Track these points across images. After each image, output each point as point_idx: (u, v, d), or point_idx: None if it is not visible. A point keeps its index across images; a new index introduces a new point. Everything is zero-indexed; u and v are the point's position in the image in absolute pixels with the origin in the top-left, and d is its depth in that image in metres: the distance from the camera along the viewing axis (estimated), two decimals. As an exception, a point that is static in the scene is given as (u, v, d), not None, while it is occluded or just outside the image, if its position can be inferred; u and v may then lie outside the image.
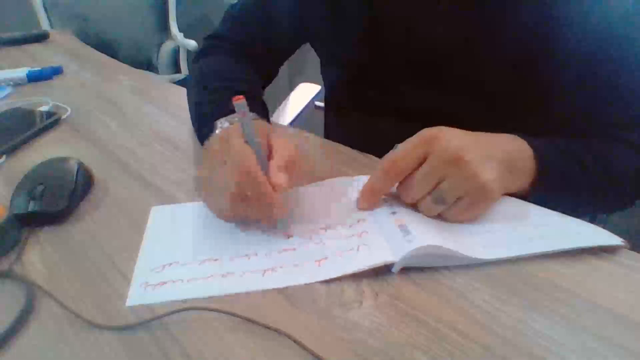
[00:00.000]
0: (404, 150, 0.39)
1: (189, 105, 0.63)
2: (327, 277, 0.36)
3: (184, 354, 0.31)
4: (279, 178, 0.38)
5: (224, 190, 0.39)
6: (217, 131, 0.46)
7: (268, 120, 0.56)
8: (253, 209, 0.39)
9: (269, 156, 0.41)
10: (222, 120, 0.48)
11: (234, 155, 0.38)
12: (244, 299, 0.35)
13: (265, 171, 0.38)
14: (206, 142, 0.45)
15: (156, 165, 0.54)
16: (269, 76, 0.70)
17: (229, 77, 0.60)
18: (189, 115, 0.64)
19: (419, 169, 0.39)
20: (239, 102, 0.38)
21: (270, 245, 0.40)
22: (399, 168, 0.39)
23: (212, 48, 0.68)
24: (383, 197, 0.43)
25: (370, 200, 0.42)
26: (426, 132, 0.39)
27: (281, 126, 0.67)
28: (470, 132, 0.41)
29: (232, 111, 0.40)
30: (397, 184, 0.41)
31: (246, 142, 0.40)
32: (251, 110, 0.50)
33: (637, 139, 0.49)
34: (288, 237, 0.41)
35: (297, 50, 0.73)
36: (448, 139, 0.38)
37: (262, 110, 0.55)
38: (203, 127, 0.53)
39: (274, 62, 0.71)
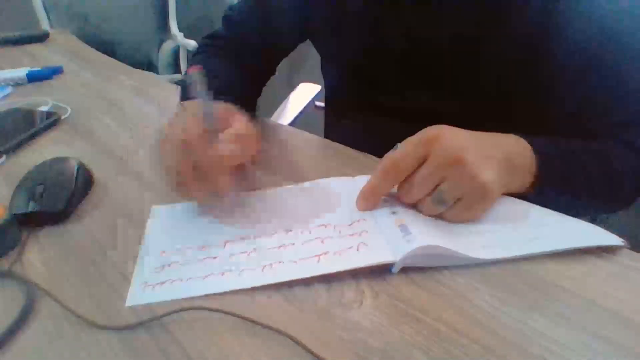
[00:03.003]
0: (405, 151, 0.39)
1: None
2: (326, 272, 0.36)
3: (184, 354, 0.31)
4: (224, 147, 0.38)
5: (172, 160, 0.39)
6: None
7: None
8: (199, 180, 0.39)
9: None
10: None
11: (182, 125, 0.38)
12: (244, 299, 0.35)
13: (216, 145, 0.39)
14: None
15: (156, 165, 0.54)
16: (266, 74, 0.70)
17: (210, 75, 0.60)
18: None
19: (419, 169, 0.39)
20: (193, 72, 0.38)
21: (269, 243, 0.40)
22: (400, 169, 0.39)
23: (207, 47, 0.68)
24: (383, 197, 0.43)
25: (370, 200, 0.42)
26: (426, 132, 0.39)
27: (281, 126, 0.67)
28: (470, 132, 0.41)
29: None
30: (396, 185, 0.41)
31: (203, 114, 0.39)
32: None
33: (636, 140, 0.49)
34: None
35: (298, 50, 0.73)
36: (448, 138, 0.38)
37: (250, 110, 0.54)
38: None
39: (272, 60, 0.71)
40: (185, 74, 0.38)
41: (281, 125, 0.67)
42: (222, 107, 0.43)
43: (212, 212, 0.45)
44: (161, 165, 0.41)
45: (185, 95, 0.53)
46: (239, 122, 0.42)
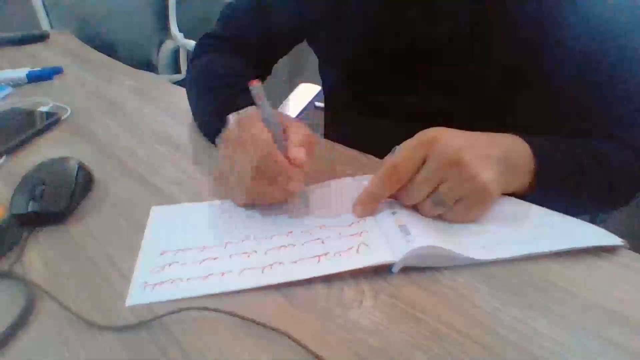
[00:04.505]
0: (404, 155, 0.39)
1: (190, 105, 0.64)
2: (326, 273, 0.36)
3: (184, 354, 0.31)
4: (297, 153, 0.40)
5: (243, 172, 0.40)
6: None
7: None
8: (272, 188, 0.41)
9: (285, 137, 0.42)
10: (234, 114, 0.48)
11: (252, 137, 0.40)
12: (244, 299, 0.35)
13: (283, 151, 0.40)
14: (222, 132, 0.47)
15: (156, 165, 0.54)
16: (263, 74, 0.70)
17: (228, 74, 0.60)
18: (189, 115, 0.64)
19: (418, 171, 0.39)
20: (255, 86, 0.40)
21: (269, 244, 0.40)
22: (400, 174, 0.39)
23: (207, 47, 0.68)
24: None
25: (369, 206, 0.42)
26: (424, 134, 0.39)
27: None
28: (468, 132, 0.41)
29: (241, 107, 0.42)
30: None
31: (265, 124, 0.41)
32: (253, 102, 0.51)
33: (634, 139, 0.49)
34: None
35: (298, 50, 0.73)
36: (446, 140, 0.38)
37: None
38: (212, 125, 0.54)
39: (269, 60, 0.71)
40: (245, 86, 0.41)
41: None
42: (277, 114, 0.44)
43: (213, 213, 0.45)
44: (233, 177, 0.42)
45: (214, 113, 0.54)
46: (298, 128, 0.43)
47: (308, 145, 0.42)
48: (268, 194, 0.42)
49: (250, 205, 0.44)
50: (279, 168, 0.39)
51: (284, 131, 0.43)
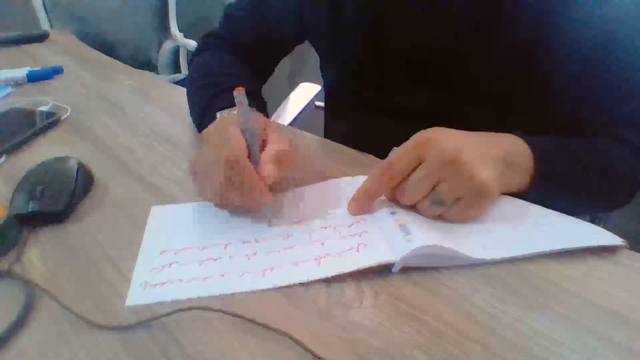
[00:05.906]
0: (399, 154, 0.39)
1: (188, 102, 0.64)
2: (327, 275, 0.36)
3: (184, 354, 0.31)
4: (266, 169, 0.40)
5: (212, 174, 0.40)
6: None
7: (266, 115, 0.56)
8: (238, 195, 0.40)
9: (262, 148, 0.42)
10: (223, 112, 0.49)
11: (226, 142, 0.39)
12: (244, 299, 0.35)
13: (256, 161, 0.40)
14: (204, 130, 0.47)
15: (156, 165, 0.54)
16: (264, 74, 0.70)
17: (223, 73, 0.61)
18: (189, 115, 0.64)
19: (415, 171, 0.39)
20: (239, 92, 0.40)
21: (270, 245, 0.40)
22: (393, 172, 0.39)
23: (208, 45, 0.68)
24: (383, 197, 0.43)
25: (363, 204, 0.42)
26: (421, 135, 0.39)
27: (280, 125, 0.67)
28: (466, 132, 0.41)
29: (232, 105, 0.42)
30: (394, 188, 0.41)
31: (242, 131, 0.41)
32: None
33: (633, 138, 0.49)
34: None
35: (298, 50, 0.73)
36: (443, 140, 0.38)
37: (259, 105, 0.55)
38: (202, 122, 0.54)
39: (270, 60, 0.71)
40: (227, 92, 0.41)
41: (281, 126, 0.67)
42: (260, 121, 0.43)
43: (213, 213, 0.45)
44: (202, 176, 0.42)
45: (204, 110, 0.54)
46: (277, 138, 0.43)
47: (280, 162, 0.41)
48: (233, 199, 0.41)
49: (223, 207, 0.44)
50: (246, 177, 0.39)
51: (263, 141, 0.42)
